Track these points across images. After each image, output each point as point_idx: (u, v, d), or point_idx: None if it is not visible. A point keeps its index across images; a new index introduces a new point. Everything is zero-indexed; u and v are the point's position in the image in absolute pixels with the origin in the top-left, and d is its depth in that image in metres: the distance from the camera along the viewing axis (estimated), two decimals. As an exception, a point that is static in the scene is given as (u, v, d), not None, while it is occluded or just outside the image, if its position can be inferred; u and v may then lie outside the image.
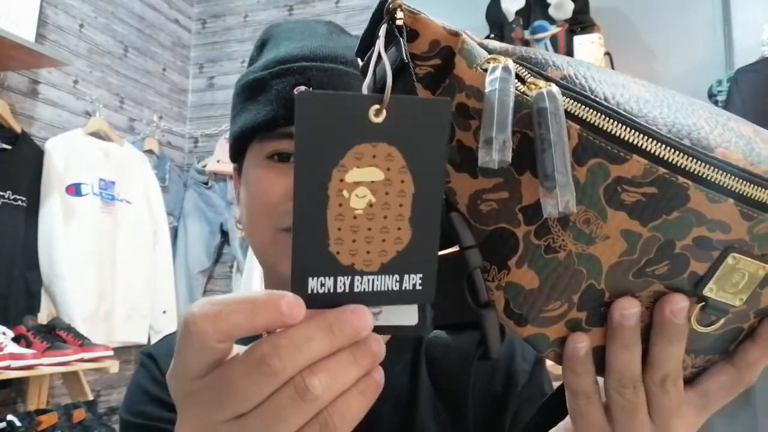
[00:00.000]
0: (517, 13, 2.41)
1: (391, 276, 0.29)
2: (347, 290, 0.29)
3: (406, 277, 0.30)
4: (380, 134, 0.28)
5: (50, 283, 2.28)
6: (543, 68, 0.34)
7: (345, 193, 0.28)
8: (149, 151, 2.84)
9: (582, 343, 0.36)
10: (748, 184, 0.32)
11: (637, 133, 0.32)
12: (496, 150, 0.31)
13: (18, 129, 2.21)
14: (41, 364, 1.90)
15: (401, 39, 0.33)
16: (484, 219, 0.36)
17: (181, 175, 3.08)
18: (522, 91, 0.33)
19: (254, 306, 0.28)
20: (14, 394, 2.22)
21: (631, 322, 0.35)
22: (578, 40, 2.25)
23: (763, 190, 0.32)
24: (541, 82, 0.33)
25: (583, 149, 0.32)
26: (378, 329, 0.30)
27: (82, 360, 2.04)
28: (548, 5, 2.35)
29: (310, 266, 0.28)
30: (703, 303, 0.35)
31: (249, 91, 0.66)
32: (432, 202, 0.29)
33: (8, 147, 2.16)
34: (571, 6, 2.33)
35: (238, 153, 0.69)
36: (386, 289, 0.30)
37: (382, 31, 0.33)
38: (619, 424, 0.38)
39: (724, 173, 0.31)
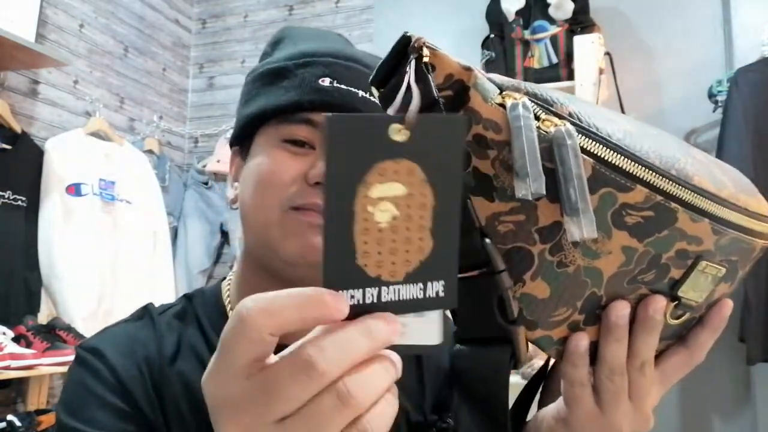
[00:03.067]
0: (517, 13, 2.41)
1: (415, 284, 0.31)
2: (375, 300, 0.30)
3: (429, 284, 0.31)
4: (402, 151, 0.29)
5: (50, 283, 2.28)
6: (550, 105, 0.38)
7: (369, 208, 0.29)
8: (149, 151, 2.84)
9: (583, 341, 0.42)
10: (717, 206, 0.39)
11: (639, 167, 0.37)
12: (531, 184, 0.35)
13: (18, 129, 2.21)
14: (41, 364, 1.89)
15: (429, 77, 0.36)
16: (501, 238, 0.40)
17: (181, 175, 3.08)
18: (538, 126, 0.37)
19: (304, 300, 0.29)
20: (14, 394, 2.22)
21: (624, 321, 0.42)
22: (578, 40, 2.25)
23: (728, 210, 0.40)
24: (555, 119, 0.38)
25: (595, 180, 0.37)
26: (401, 348, 0.32)
27: (82, 360, 2.03)
28: (548, 5, 2.35)
29: (340, 279, 0.29)
30: (677, 301, 0.42)
31: (270, 77, 0.66)
32: (451, 213, 0.31)
33: (8, 147, 2.16)
34: (571, 6, 2.33)
35: (246, 135, 0.67)
36: (411, 297, 0.31)
37: (412, 65, 0.36)
38: (608, 406, 0.45)
39: (702, 198, 0.39)
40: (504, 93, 0.38)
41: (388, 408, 0.30)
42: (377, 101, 0.62)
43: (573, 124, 0.37)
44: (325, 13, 3.08)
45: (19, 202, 2.21)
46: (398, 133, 0.29)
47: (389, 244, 0.30)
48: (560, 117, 0.38)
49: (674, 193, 0.38)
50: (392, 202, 0.30)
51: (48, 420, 1.94)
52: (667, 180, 0.38)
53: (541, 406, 0.54)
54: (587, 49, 2.21)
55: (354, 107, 0.62)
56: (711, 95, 2.24)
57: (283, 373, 0.28)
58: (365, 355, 0.29)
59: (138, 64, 2.95)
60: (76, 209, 2.37)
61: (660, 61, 2.46)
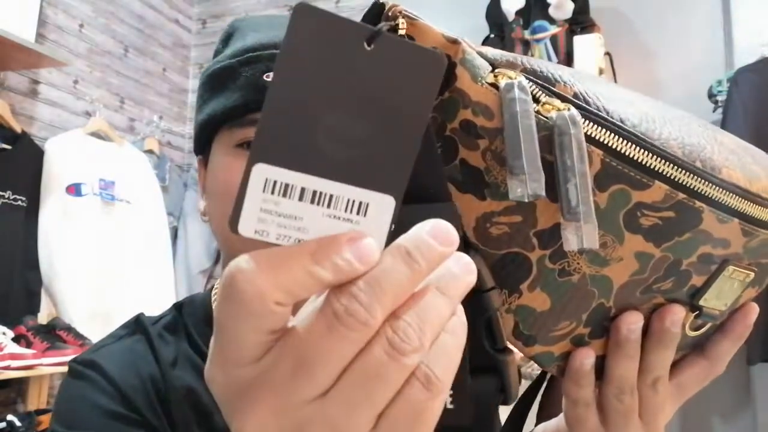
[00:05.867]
0: (517, 13, 2.41)
1: None
2: None
3: None
4: (369, 70, 0.23)
5: (50, 283, 2.28)
6: (552, 84, 0.33)
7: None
8: (149, 151, 2.84)
9: (588, 359, 0.37)
10: (749, 203, 0.33)
11: (658, 159, 0.31)
12: (528, 183, 0.30)
13: (18, 129, 2.21)
14: (41, 364, 1.89)
15: None
16: (495, 243, 0.34)
17: (181, 175, 3.07)
18: (536, 110, 0.32)
19: (315, 250, 0.23)
20: (14, 394, 2.22)
21: (636, 335, 0.36)
22: (578, 40, 2.25)
23: (761, 208, 0.34)
24: (557, 102, 0.32)
25: (605, 175, 0.32)
26: None
27: (82, 360, 2.03)
28: (548, 5, 2.35)
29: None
30: (697, 311, 0.37)
31: (216, 80, 0.64)
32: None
33: (8, 147, 2.16)
34: (571, 6, 2.33)
35: (203, 143, 0.65)
36: None
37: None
38: (615, 427, 0.40)
39: (732, 195, 0.33)
40: (497, 71, 0.33)
41: (451, 343, 0.23)
42: None
43: (578, 107, 0.32)
44: (325, 13, 3.08)
45: (19, 202, 2.21)
46: (369, 46, 0.23)
47: None
48: (563, 99, 0.32)
49: (699, 190, 0.32)
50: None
51: (48, 420, 1.93)
52: (691, 174, 0.32)
53: (540, 416, 0.49)
54: (587, 49, 2.21)
55: None
56: (711, 95, 2.24)
57: (314, 335, 0.22)
58: (411, 287, 0.23)
59: (138, 64, 2.95)
60: (76, 209, 2.36)
61: (660, 61, 2.46)
